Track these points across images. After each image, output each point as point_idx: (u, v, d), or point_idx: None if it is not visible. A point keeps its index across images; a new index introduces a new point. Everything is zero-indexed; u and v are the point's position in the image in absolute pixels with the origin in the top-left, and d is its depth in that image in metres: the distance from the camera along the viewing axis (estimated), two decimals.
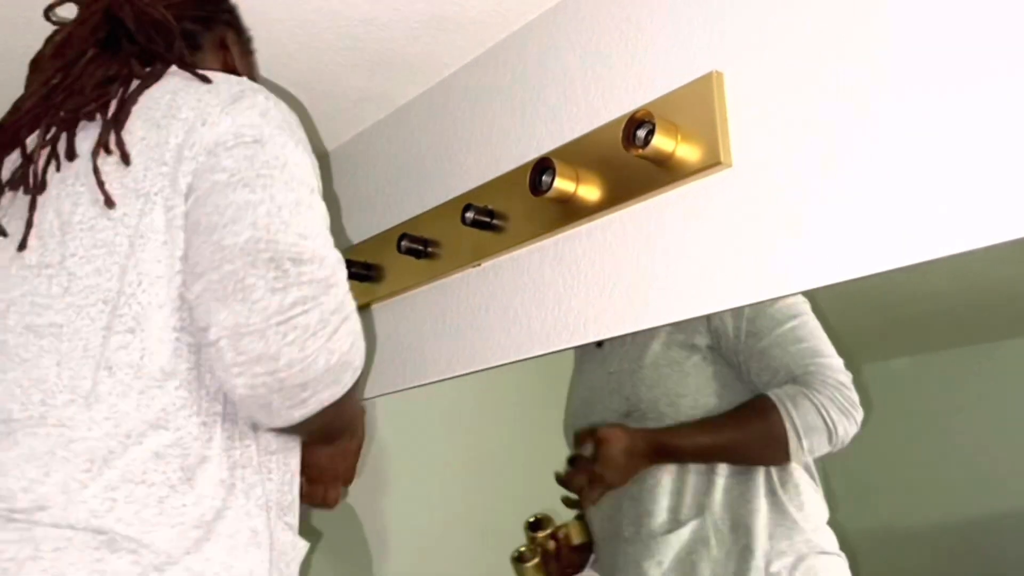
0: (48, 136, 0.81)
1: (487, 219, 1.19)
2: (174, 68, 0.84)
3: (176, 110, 0.77)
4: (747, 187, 0.92)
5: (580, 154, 1.08)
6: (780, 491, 1.27)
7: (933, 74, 0.78)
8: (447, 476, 1.74)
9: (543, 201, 1.08)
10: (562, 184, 1.06)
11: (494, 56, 1.29)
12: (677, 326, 1.17)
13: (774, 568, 1.21)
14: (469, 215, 1.18)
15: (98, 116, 0.80)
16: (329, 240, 0.77)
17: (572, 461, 1.38)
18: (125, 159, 0.75)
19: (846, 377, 1.18)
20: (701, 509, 1.23)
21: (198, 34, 0.93)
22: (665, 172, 0.98)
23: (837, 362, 1.20)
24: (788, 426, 1.14)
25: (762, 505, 1.25)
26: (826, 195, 0.85)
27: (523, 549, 1.36)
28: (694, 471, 1.25)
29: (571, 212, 1.09)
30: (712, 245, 0.95)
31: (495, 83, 1.28)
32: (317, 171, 0.82)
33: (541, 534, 1.36)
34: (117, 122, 0.78)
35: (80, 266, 0.74)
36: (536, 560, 1.35)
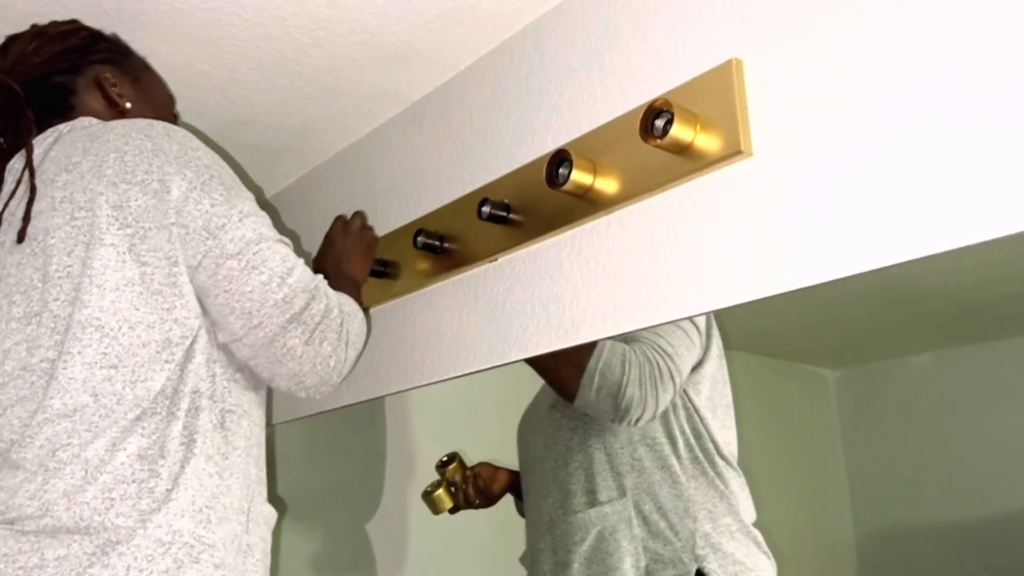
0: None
1: (503, 213, 1.18)
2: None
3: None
4: (768, 176, 0.90)
5: (597, 146, 1.07)
6: (704, 478, 1.29)
7: (963, 59, 0.76)
8: None
9: (560, 194, 1.07)
10: (579, 176, 1.04)
11: (509, 49, 1.28)
12: None
13: (700, 550, 1.22)
14: (485, 209, 1.17)
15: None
16: (291, 255, 1.00)
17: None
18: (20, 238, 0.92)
19: (666, 363, 1.25)
20: (623, 491, 1.26)
21: (67, 83, 1.07)
22: (684, 162, 0.96)
23: (669, 347, 1.27)
24: (594, 358, 1.22)
25: (685, 490, 1.27)
26: (849, 184, 0.83)
27: (429, 485, 1.54)
28: (614, 452, 1.28)
29: (589, 205, 1.07)
30: (733, 236, 0.93)
31: (511, 76, 1.26)
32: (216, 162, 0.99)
33: (450, 468, 1.54)
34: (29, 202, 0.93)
35: (62, 308, 0.88)
36: (440, 490, 1.52)
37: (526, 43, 1.25)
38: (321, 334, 0.98)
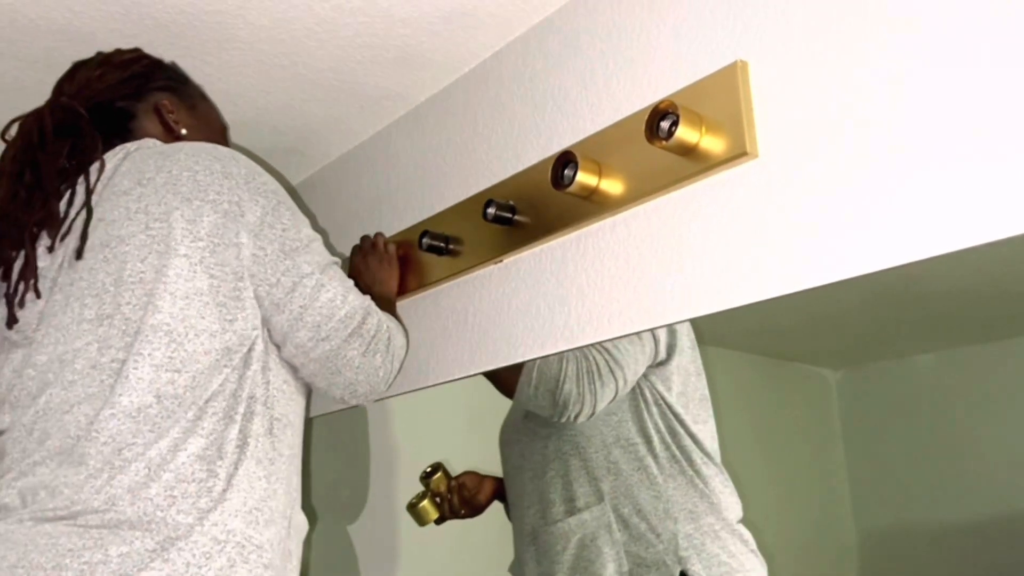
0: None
1: (509, 215, 1.18)
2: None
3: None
4: (774, 178, 0.91)
5: (603, 147, 1.07)
6: (682, 477, 1.29)
7: (967, 60, 0.76)
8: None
9: (565, 196, 1.07)
10: (584, 178, 1.05)
11: (514, 50, 1.28)
12: None
13: (683, 552, 1.22)
14: (491, 211, 1.17)
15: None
16: (348, 278, 1.09)
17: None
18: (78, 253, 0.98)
19: (604, 356, 1.24)
20: (600, 495, 1.27)
21: (129, 108, 1.12)
22: (690, 164, 0.96)
23: (609, 344, 1.26)
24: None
25: (664, 491, 1.26)
26: (854, 185, 0.83)
27: (414, 497, 1.54)
28: (588, 456, 1.29)
29: (594, 206, 1.07)
30: (738, 238, 0.93)
31: (516, 77, 1.27)
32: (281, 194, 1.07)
33: (434, 479, 1.54)
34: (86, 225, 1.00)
35: (134, 312, 0.93)
36: (425, 502, 1.52)
37: (530, 45, 1.25)
38: (375, 347, 1.07)
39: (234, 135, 1.54)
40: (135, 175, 1.00)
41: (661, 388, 1.30)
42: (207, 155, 1.01)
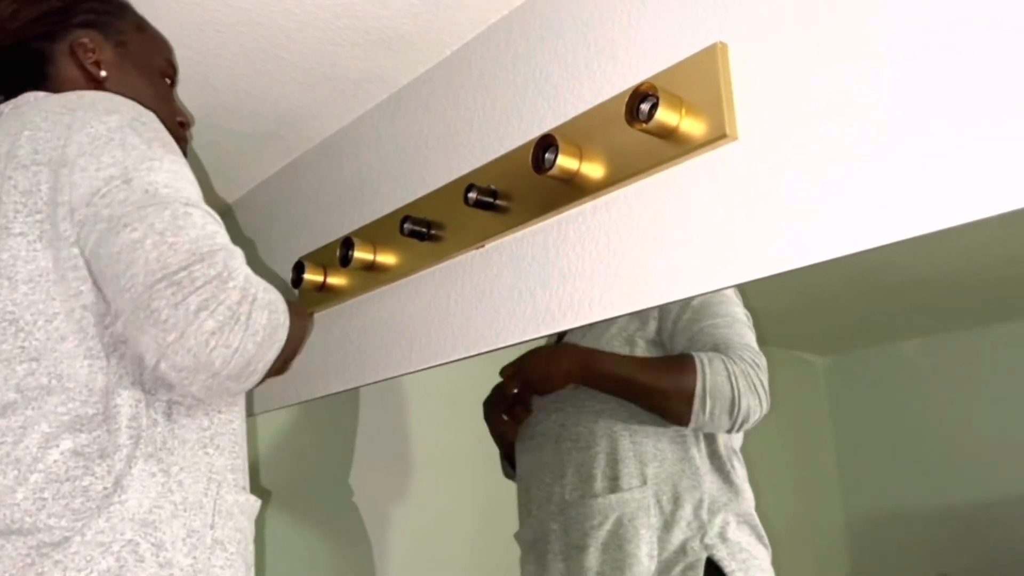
0: None
1: (490, 199, 1.17)
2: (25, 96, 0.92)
3: (35, 152, 0.83)
4: (754, 160, 0.90)
5: (583, 130, 1.06)
6: (719, 471, 1.31)
7: (949, 41, 0.75)
8: (454, 460, 1.73)
9: (546, 179, 1.06)
10: (565, 161, 1.03)
11: (495, 33, 1.27)
12: (631, 319, 1.22)
13: (710, 540, 1.24)
14: (472, 196, 1.16)
15: None
16: (209, 226, 0.81)
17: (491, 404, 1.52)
18: None
19: (762, 361, 1.26)
20: (644, 479, 1.27)
21: (44, 50, 0.99)
22: (670, 146, 0.95)
23: (756, 347, 1.29)
24: (699, 382, 1.20)
25: (703, 482, 1.29)
26: (834, 166, 0.82)
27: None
28: (639, 440, 1.30)
29: (575, 190, 1.06)
30: (719, 220, 0.92)
31: (497, 61, 1.26)
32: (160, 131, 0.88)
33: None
34: None
35: None
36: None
37: (512, 27, 1.24)
38: (202, 301, 0.75)
39: (213, 121, 1.53)
40: None
41: None
42: (61, 106, 0.85)
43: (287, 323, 0.84)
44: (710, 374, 1.21)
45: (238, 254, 0.82)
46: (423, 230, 1.28)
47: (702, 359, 1.22)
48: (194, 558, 0.82)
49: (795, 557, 1.50)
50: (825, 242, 0.82)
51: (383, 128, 1.48)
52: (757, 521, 1.32)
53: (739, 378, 1.22)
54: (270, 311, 0.81)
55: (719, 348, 1.25)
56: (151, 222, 0.77)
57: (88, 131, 0.82)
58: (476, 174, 1.22)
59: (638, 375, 1.27)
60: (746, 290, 1.26)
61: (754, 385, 1.23)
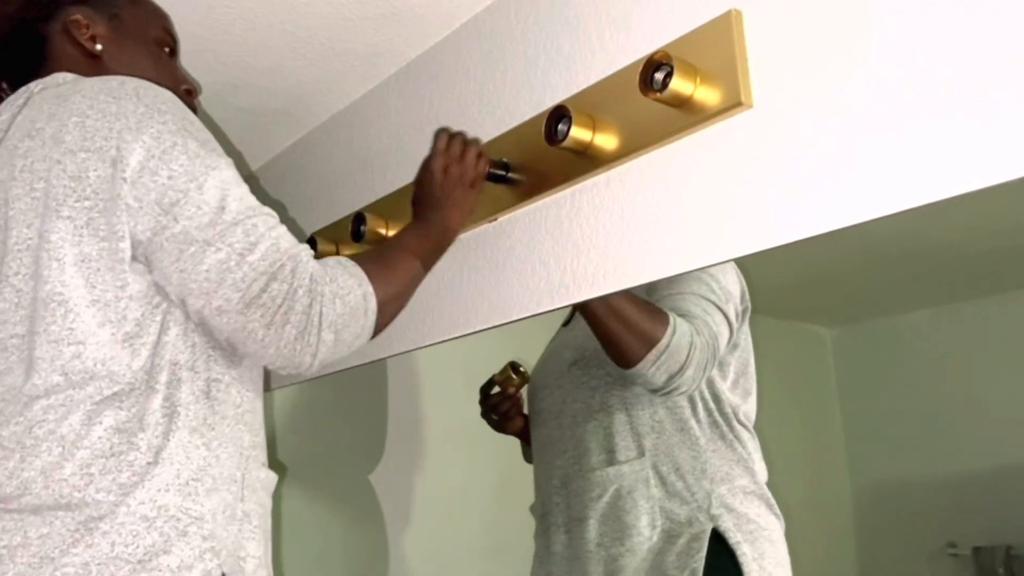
0: None
1: (502, 172, 1.17)
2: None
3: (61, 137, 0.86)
4: (769, 128, 0.90)
5: (596, 101, 1.06)
6: (722, 439, 1.31)
7: (971, 6, 0.75)
8: (468, 435, 1.74)
9: (559, 151, 1.06)
10: (578, 132, 1.04)
11: (505, 5, 1.27)
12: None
13: (715, 511, 1.24)
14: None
15: None
16: (272, 231, 0.88)
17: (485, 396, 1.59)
18: None
19: (717, 345, 1.26)
20: (642, 451, 1.27)
21: (41, 31, 0.99)
22: (684, 116, 0.96)
23: (724, 330, 1.30)
24: (667, 336, 1.20)
25: (703, 452, 1.29)
26: (850, 133, 0.82)
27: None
28: (635, 413, 1.30)
29: (588, 161, 1.07)
30: (734, 189, 0.93)
31: (507, 32, 1.25)
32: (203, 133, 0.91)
33: (509, 375, 1.57)
34: None
35: (23, 282, 0.85)
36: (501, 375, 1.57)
37: None
38: (283, 316, 0.86)
39: (222, 97, 1.53)
40: (27, 126, 0.88)
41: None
42: (105, 94, 0.87)
43: (371, 292, 0.95)
44: (676, 335, 1.20)
45: (298, 253, 0.89)
46: None
47: (675, 320, 1.22)
48: (227, 531, 0.85)
49: (804, 527, 1.51)
50: (841, 210, 0.83)
51: (393, 103, 1.48)
52: (768, 492, 1.33)
53: (696, 351, 1.21)
54: (341, 300, 0.91)
55: (688, 317, 1.26)
56: (230, 242, 0.85)
57: (151, 131, 0.86)
58: (488, 147, 1.22)
59: (615, 305, 1.22)
60: (754, 263, 1.25)
61: (702, 364, 1.22)
